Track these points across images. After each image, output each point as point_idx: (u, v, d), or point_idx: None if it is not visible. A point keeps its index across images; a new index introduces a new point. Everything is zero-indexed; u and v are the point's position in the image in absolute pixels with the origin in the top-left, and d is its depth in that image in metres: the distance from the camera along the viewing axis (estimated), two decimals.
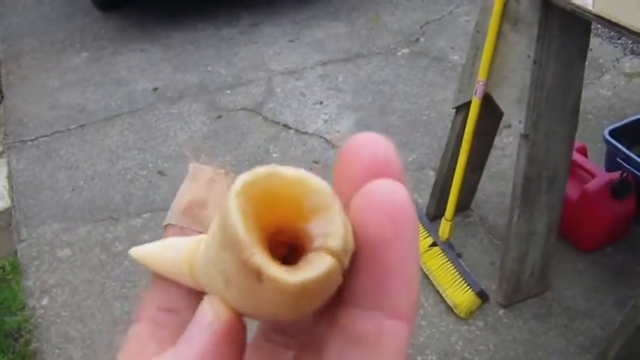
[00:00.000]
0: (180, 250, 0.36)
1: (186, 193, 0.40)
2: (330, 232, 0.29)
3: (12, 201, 3.50)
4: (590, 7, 1.98)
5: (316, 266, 0.28)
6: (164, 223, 0.40)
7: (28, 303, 2.98)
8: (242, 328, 0.31)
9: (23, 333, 2.83)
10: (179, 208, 0.39)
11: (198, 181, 0.40)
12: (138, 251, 0.39)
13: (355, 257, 0.29)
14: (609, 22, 1.94)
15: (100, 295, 2.99)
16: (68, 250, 3.23)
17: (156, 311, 0.37)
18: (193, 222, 0.39)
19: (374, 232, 0.29)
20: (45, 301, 2.98)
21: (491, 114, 2.69)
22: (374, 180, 0.30)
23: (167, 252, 0.37)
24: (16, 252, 3.24)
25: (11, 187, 3.63)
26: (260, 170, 0.29)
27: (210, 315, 0.30)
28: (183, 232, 0.39)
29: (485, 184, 3.23)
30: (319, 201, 0.29)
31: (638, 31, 1.87)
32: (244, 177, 0.29)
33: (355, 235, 0.29)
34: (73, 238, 3.30)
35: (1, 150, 3.92)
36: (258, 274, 0.28)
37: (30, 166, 3.83)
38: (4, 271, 3.13)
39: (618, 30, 1.94)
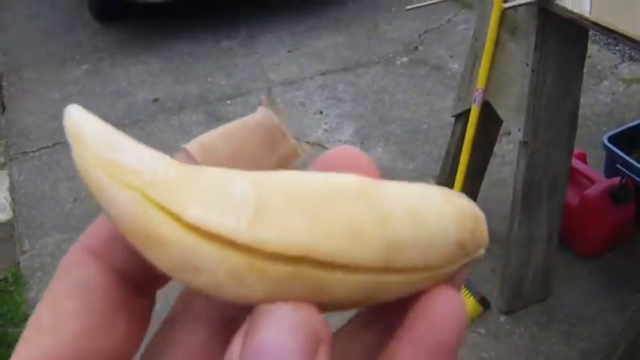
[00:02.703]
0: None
1: (249, 156, 0.34)
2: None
3: (14, 213, 3.51)
4: (587, 15, 1.99)
5: None
6: (189, 148, 0.33)
7: (31, 314, 2.98)
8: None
9: None
10: (221, 154, 0.33)
11: (271, 151, 0.34)
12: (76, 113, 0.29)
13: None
14: (606, 29, 1.95)
15: None
16: None
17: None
18: None
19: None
20: None
21: (490, 122, 2.71)
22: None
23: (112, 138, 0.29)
24: (18, 263, 3.25)
25: (13, 198, 3.64)
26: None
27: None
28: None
29: (486, 192, 3.23)
30: None
31: (634, 38, 1.88)
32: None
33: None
34: None
35: (2, 162, 3.93)
36: None
37: (31, 178, 3.84)
38: (6, 282, 3.14)
39: (615, 37, 1.95)
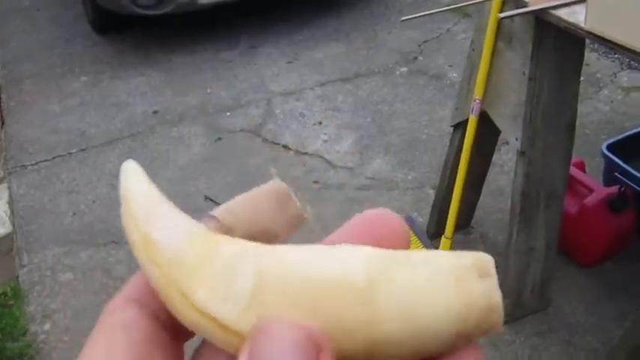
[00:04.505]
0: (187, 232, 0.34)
1: (265, 218, 0.38)
2: None
3: (13, 226, 3.50)
4: (582, 24, 1.99)
5: None
6: (218, 215, 0.37)
7: (30, 328, 2.99)
8: None
9: (25, 359, 2.83)
10: (249, 229, 0.37)
11: (283, 213, 0.38)
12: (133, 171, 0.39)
13: None
14: (602, 38, 1.95)
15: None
16: (70, 275, 3.24)
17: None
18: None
19: None
20: (47, 326, 2.99)
21: (488, 131, 2.71)
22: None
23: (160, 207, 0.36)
24: (17, 277, 3.24)
25: (12, 212, 3.63)
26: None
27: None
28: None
29: (486, 201, 3.23)
30: None
31: (629, 47, 1.88)
32: None
33: None
34: (75, 262, 3.30)
35: (2, 175, 3.93)
36: None
37: (31, 191, 3.84)
38: (5, 296, 3.13)
39: (610, 46, 1.95)
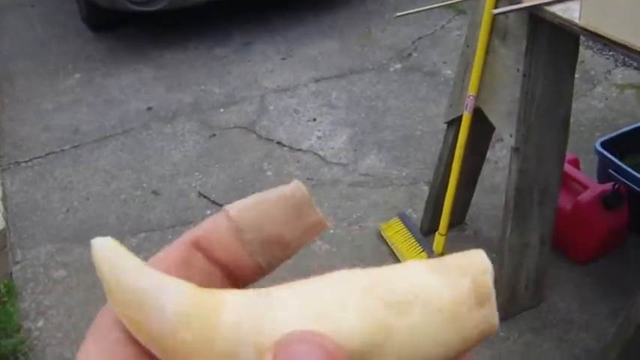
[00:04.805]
0: (170, 288, 0.33)
1: (279, 223, 0.37)
2: None
3: (6, 223, 3.50)
4: (576, 21, 1.99)
5: None
6: (227, 209, 0.37)
7: (24, 325, 2.98)
8: None
9: (19, 355, 2.82)
10: (260, 233, 0.36)
11: (299, 220, 0.37)
12: (102, 246, 0.34)
13: None
14: (596, 34, 1.95)
15: (95, 316, 2.98)
16: (63, 271, 3.23)
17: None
18: (261, 253, 0.37)
19: None
20: (40, 323, 2.98)
21: (482, 128, 2.70)
22: None
23: (145, 278, 0.33)
24: (11, 274, 3.24)
25: (6, 208, 3.62)
26: None
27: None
28: (234, 236, 0.36)
29: (480, 198, 3.23)
30: None
31: (623, 43, 1.88)
32: None
33: None
34: (68, 259, 3.30)
35: None
36: None
37: (24, 188, 3.83)
38: None
39: (604, 43, 1.95)
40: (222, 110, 4.37)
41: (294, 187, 0.37)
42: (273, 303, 0.32)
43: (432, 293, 0.32)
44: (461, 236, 3.14)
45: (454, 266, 0.33)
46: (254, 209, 0.36)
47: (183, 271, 0.35)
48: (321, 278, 0.33)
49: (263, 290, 0.33)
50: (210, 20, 5.41)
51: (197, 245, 0.36)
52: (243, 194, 0.67)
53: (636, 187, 2.80)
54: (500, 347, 2.66)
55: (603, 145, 2.94)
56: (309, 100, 4.36)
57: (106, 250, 0.34)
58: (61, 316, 3.00)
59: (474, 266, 0.33)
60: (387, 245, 3.12)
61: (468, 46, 2.61)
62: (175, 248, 0.36)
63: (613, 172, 2.88)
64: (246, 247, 0.36)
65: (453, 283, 0.33)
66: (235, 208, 0.36)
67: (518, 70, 2.31)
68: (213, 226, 0.36)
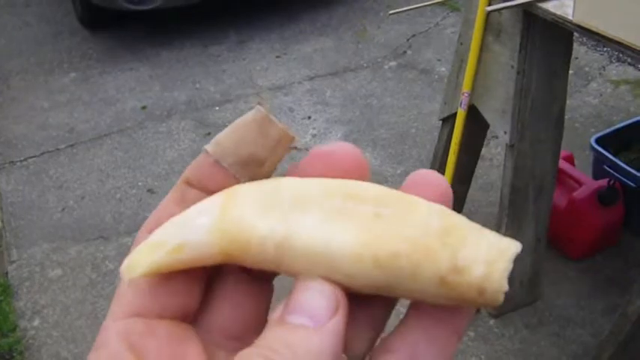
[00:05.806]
0: (199, 227, 0.37)
1: (250, 143, 0.40)
2: None
3: (2, 222, 3.50)
4: (570, 17, 1.99)
5: None
6: (205, 147, 0.40)
7: (20, 324, 2.98)
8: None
9: (15, 354, 2.82)
10: (237, 156, 0.40)
11: (265, 137, 0.41)
12: (135, 266, 0.37)
13: None
14: (589, 31, 1.95)
15: (91, 315, 2.99)
16: (59, 270, 3.23)
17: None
18: (243, 173, 0.40)
19: None
20: (36, 322, 2.98)
21: (477, 125, 2.71)
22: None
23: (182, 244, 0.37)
24: (6, 273, 3.24)
25: (1, 208, 3.62)
26: None
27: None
28: (213, 172, 0.40)
29: (475, 195, 3.23)
30: None
31: (617, 39, 1.88)
32: None
33: None
34: (64, 258, 3.29)
35: None
36: None
37: (19, 187, 3.83)
38: None
39: (598, 39, 1.95)
40: (217, 108, 4.37)
41: (255, 111, 0.41)
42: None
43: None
44: None
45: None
46: (227, 138, 0.40)
47: (183, 206, 0.39)
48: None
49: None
50: (205, 19, 5.40)
51: (189, 183, 0.40)
52: None
53: (631, 184, 2.81)
54: (496, 344, 2.66)
55: (598, 141, 2.94)
56: (304, 98, 4.36)
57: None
58: (56, 315, 3.00)
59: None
60: None
61: (462, 44, 2.61)
62: (172, 191, 0.41)
63: (608, 169, 2.88)
64: (229, 171, 0.40)
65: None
66: (211, 143, 0.40)
67: (512, 67, 2.31)
68: (197, 164, 0.41)
